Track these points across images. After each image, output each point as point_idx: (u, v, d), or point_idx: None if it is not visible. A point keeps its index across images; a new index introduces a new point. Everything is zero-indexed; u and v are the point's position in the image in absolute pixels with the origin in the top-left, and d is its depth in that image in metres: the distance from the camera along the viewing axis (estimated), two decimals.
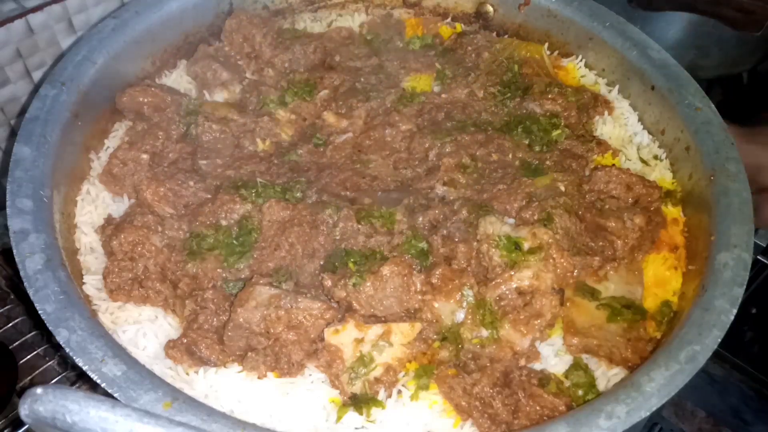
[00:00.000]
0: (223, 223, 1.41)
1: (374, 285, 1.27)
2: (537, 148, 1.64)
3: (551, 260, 1.32)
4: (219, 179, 1.51)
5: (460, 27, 2.05)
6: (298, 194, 1.47)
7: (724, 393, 1.88)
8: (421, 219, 1.44)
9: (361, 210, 1.43)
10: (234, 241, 1.39)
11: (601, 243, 1.42)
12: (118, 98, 1.62)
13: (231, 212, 1.42)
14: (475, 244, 1.36)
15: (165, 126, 1.60)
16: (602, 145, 1.67)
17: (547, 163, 1.59)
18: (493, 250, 1.33)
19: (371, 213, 1.42)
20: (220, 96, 1.76)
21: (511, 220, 1.43)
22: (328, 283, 1.30)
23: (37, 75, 1.79)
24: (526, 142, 1.66)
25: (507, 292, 1.30)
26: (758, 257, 1.81)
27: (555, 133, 1.66)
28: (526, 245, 1.33)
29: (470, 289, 1.30)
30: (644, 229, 1.45)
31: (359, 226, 1.41)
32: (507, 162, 1.60)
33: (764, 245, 1.81)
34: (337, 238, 1.40)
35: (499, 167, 1.58)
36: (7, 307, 1.70)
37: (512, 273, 1.31)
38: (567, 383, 1.26)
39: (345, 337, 1.23)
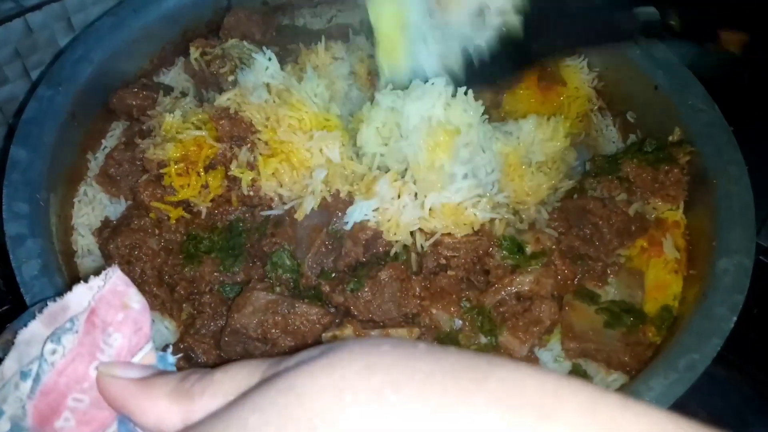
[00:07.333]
0: (219, 225, 1.41)
1: (372, 290, 1.26)
2: None
3: (553, 266, 1.31)
4: None
5: None
6: None
7: (726, 394, 1.87)
8: (332, 261, 1.36)
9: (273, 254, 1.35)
10: (227, 244, 1.38)
11: (588, 231, 1.42)
12: (110, 99, 1.61)
13: (225, 213, 1.42)
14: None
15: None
16: None
17: None
18: (496, 249, 1.32)
19: (280, 263, 1.34)
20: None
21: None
22: (326, 288, 1.30)
23: (35, 74, 1.77)
24: None
25: (507, 298, 1.29)
26: (760, 257, 1.79)
27: None
28: (528, 249, 1.33)
29: (468, 302, 1.29)
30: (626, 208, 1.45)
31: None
32: None
33: (766, 246, 1.79)
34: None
35: None
36: (6, 307, 1.70)
37: (513, 277, 1.30)
38: None
39: None
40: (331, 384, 0.46)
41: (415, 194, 1.35)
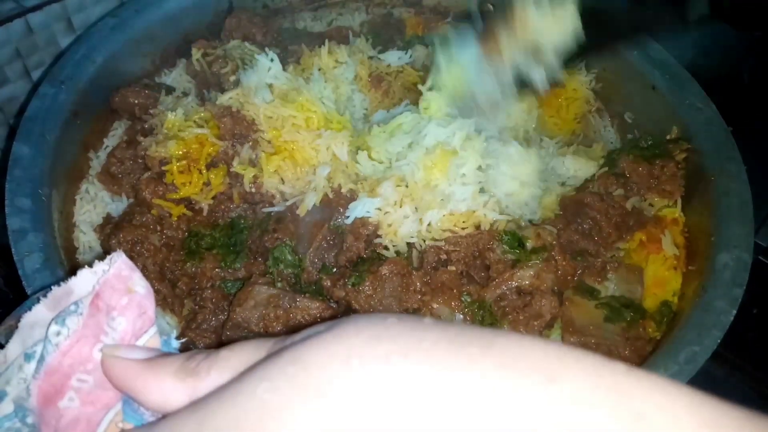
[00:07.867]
0: (220, 222, 1.42)
1: (373, 285, 1.27)
2: None
3: (553, 261, 1.32)
4: None
5: None
6: None
7: (725, 394, 1.86)
8: (334, 256, 1.36)
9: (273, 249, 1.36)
10: (228, 241, 1.39)
11: (586, 225, 1.43)
12: (112, 98, 1.62)
13: (227, 210, 1.42)
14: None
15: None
16: None
17: None
18: (497, 243, 1.33)
19: (281, 258, 1.34)
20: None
21: None
22: (327, 283, 1.30)
23: (36, 74, 1.78)
24: None
25: (507, 292, 1.30)
26: (759, 257, 1.80)
27: None
28: (529, 244, 1.33)
29: (468, 296, 1.30)
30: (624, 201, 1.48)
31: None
32: None
33: (765, 246, 1.80)
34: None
35: None
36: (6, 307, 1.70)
37: (513, 272, 1.30)
38: None
39: None
40: (338, 353, 0.47)
41: (416, 208, 1.37)
